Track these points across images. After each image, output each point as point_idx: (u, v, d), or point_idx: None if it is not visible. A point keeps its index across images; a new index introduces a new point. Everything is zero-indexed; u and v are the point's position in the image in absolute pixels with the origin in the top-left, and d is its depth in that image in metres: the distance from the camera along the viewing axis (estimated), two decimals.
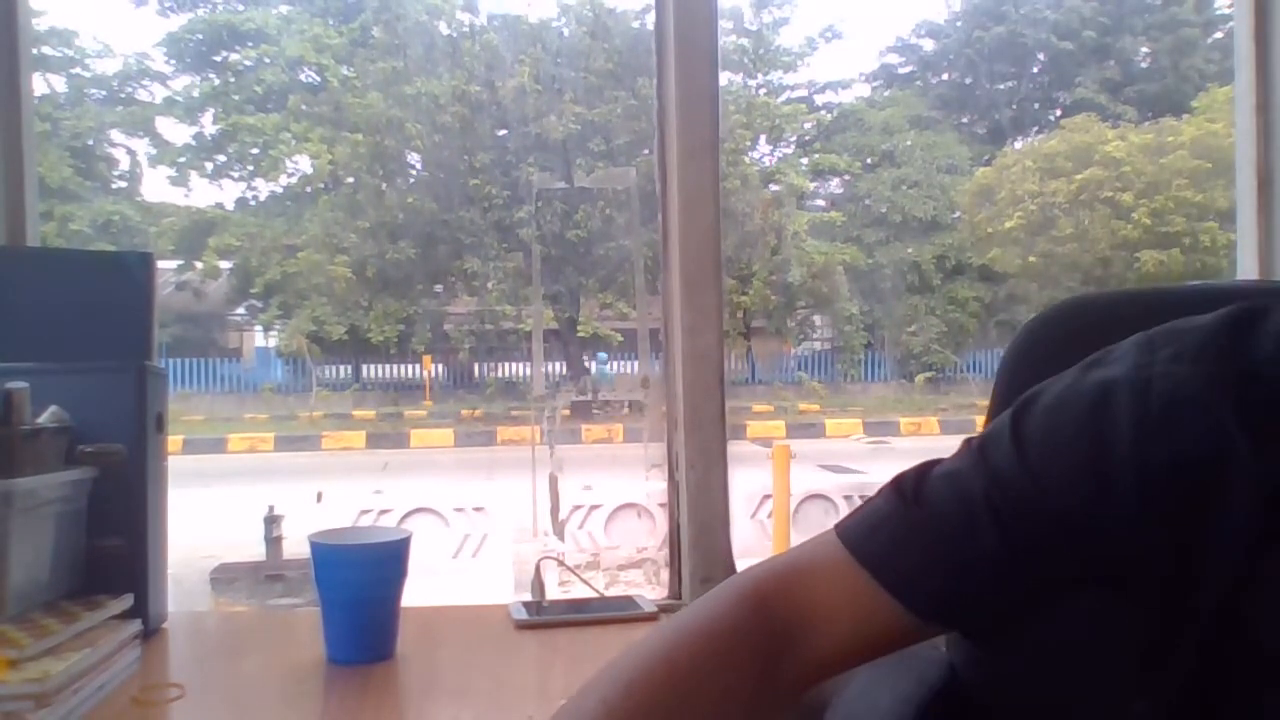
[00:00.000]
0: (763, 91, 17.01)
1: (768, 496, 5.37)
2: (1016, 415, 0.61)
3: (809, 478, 6.05)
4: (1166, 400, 0.55)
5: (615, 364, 15.51)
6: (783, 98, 17.24)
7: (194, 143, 15.48)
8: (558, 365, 15.16)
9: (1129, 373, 0.57)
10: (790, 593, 0.63)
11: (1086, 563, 0.59)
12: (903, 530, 0.62)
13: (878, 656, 0.65)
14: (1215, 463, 0.54)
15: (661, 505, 3.63)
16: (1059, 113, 17.27)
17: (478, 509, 5.13)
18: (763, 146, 16.93)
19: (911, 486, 0.63)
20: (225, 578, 5.19)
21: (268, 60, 15.15)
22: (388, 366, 15.87)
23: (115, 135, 15.34)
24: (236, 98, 15.01)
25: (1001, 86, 17.75)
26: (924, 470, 0.64)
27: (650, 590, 2.88)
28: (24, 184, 1.35)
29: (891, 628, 0.62)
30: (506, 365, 15.62)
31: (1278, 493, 0.52)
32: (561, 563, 1.64)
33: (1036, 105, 18.43)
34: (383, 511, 4.96)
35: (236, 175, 15.58)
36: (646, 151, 12.42)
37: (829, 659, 0.63)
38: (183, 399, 13.42)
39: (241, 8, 15.66)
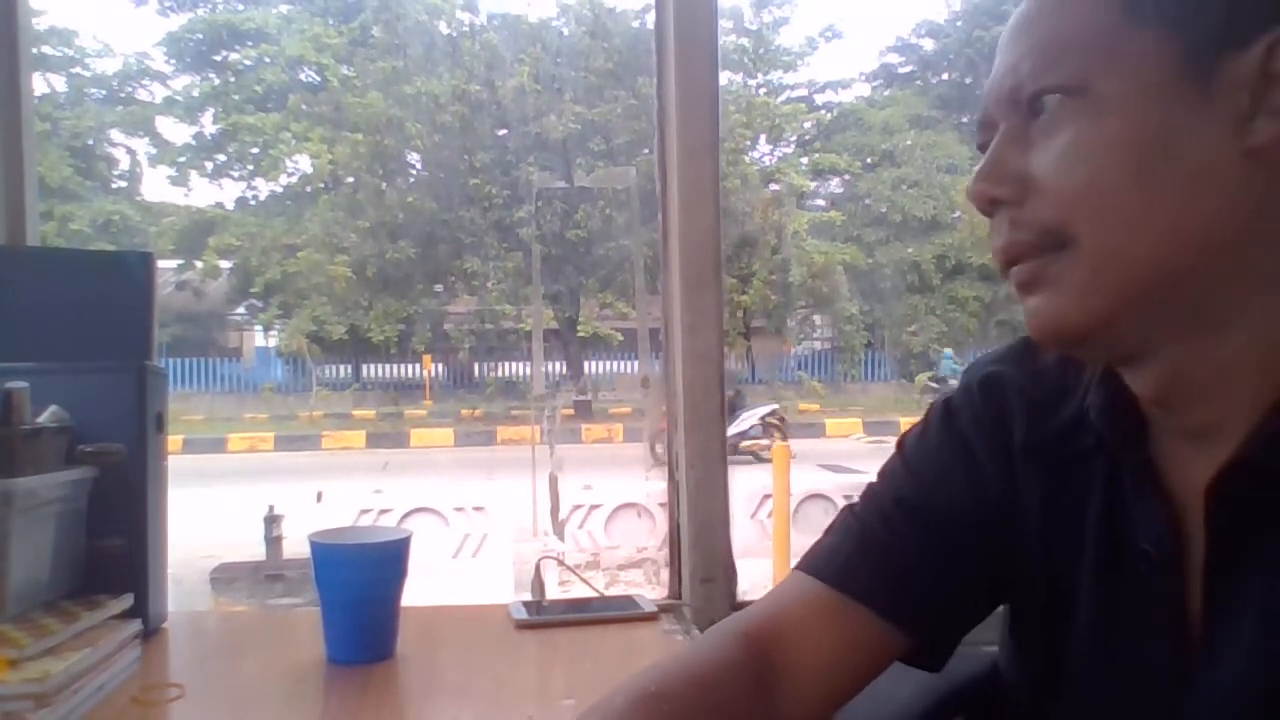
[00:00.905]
0: (763, 91, 17.02)
1: (768, 496, 5.36)
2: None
3: (809, 477, 6.04)
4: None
5: (615, 363, 15.52)
6: (783, 97, 17.26)
7: (194, 142, 15.49)
8: (558, 365, 15.17)
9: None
10: (772, 627, 0.70)
11: (993, 560, 0.71)
12: (851, 545, 0.72)
13: (868, 678, 0.71)
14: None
15: (661, 505, 3.63)
16: None
17: (478, 509, 5.13)
18: (763, 146, 16.96)
19: (858, 509, 0.75)
20: (225, 577, 5.18)
21: (268, 60, 15.15)
22: (388, 366, 15.88)
23: (115, 135, 15.37)
24: (236, 97, 15.01)
25: None
26: (865, 491, 0.76)
27: (650, 590, 2.88)
28: (24, 184, 1.35)
29: (870, 641, 0.70)
30: (506, 365, 15.63)
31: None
32: (561, 562, 1.64)
33: None
34: (383, 511, 4.96)
35: (236, 175, 15.60)
36: (646, 151, 12.42)
37: (821, 689, 0.70)
38: (183, 399, 13.43)
39: (241, 7, 15.66)
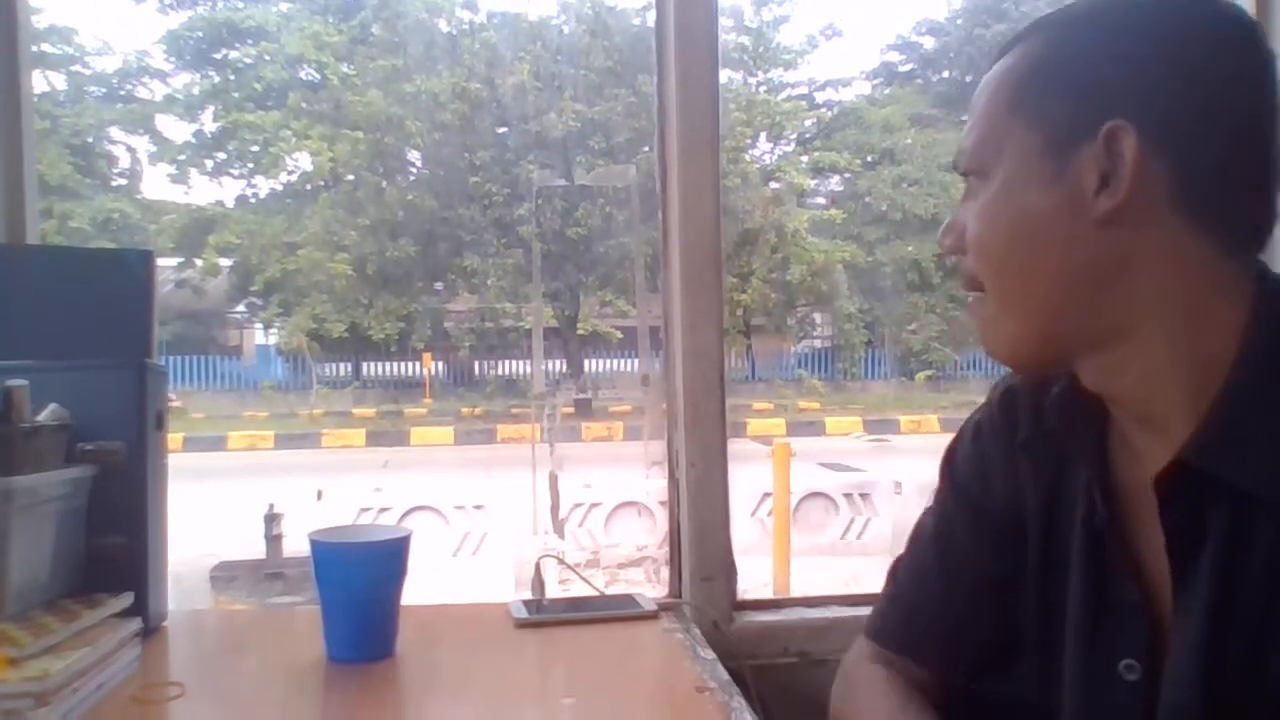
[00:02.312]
0: (763, 89, 17.00)
1: (768, 494, 5.37)
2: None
3: (809, 476, 6.05)
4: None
5: (615, 362, 15.51)
6: (783, 95, 17.23)
7: (194, 140, 15.47)
8: (558, 363, 15.16)
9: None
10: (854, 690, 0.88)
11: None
12: (885, 604, 0.91)
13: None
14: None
15: (662, 503, 3.63)
16: None
17: (478, 507, 5.13)
18: (763, 144, 16.94)
19: (890, 569, 0.92)
20: (225, 576, 5.18)
21: (268, 58, 15.13)
22: (388, 364, 15.88)
23: (115, 133, 15.34)
24: (236, 95, 14.99)
25: None
26: (911, 535, 0.92)
27: (650, 588, 2.88)
28: (24, 182, 1.35)
29: (928, 688, 0.85)
30: (506, 363, 15.62)
31: None
32: (562, 561, 1.64)
33: None
34: (383, 509, 4.97)
35: (236, 173, 15.57)
36: (647, 149, 12.42)
37: None
38: (183, 396, 13.42)
39: (241, 5, 15.64)
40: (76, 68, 15.12)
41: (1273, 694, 0.64)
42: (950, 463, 0.89)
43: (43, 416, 1.01)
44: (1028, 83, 0.70)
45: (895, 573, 0.91)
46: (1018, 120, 0.70)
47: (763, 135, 16.63)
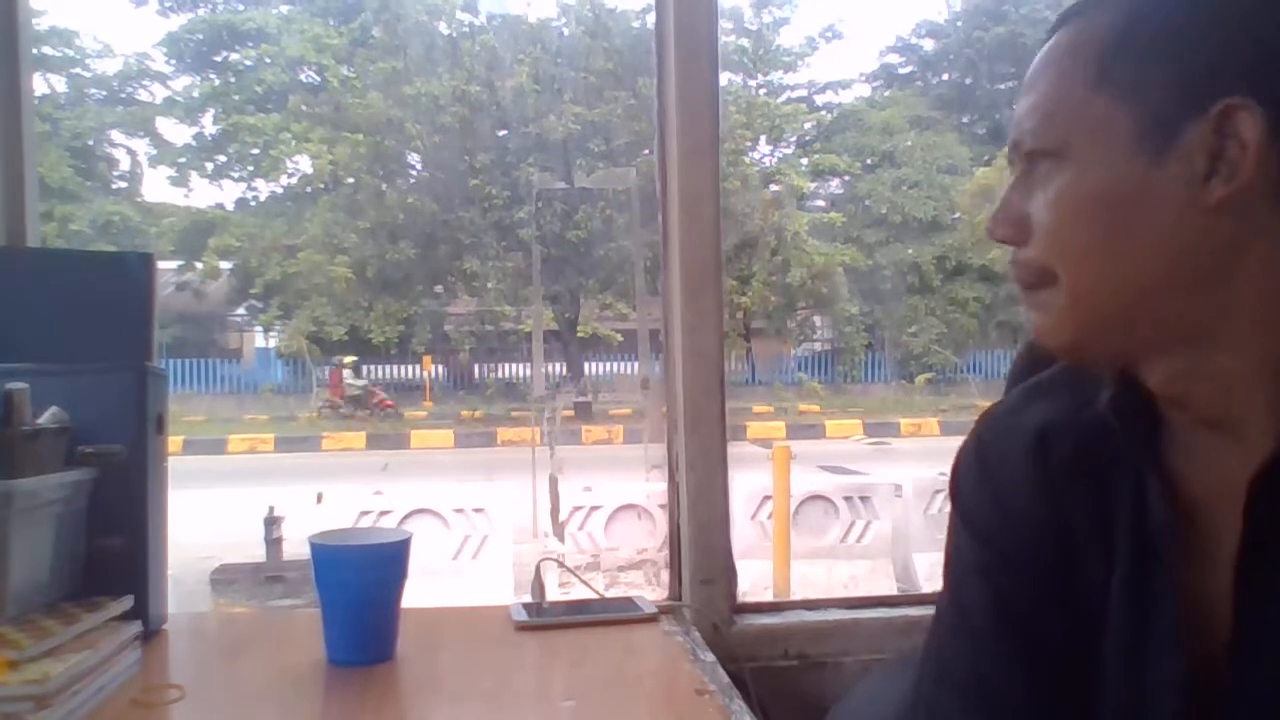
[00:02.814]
0: (763, 92, 17.01)
1: (768, 497, 5.35)
2: None
3: (809, 479, 6.03)
4: None
5: (615, 365, 15.51)
6: (783, 98, 17.24)
7: (194, 143, 15.49)
8: (558, 366, 15.16)
9: None
10: None
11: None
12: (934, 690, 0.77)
13: None
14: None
15: (662, 506, 3.63)
16: None
17: (478, 510, 5.12)
18: (763, 147, 16.95)
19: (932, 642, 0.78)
20: (225, 579, 5.18)
21: (268, 60, 15.15)
22: (388, 367, 15.87)
23: (115, 135, 15.36)
24: (237, 98, 15.01)
25: (1002, 87, 17.73)
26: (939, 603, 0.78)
27: (650, 591, 2.88)
28: (24, 184, 1.35)
29: None
30: (506, 366, 15.63)
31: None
32: (561, 564, 1.64)
33: None
34: (383, 513, 4.95)
35: (237, 175, 15.59)
36: (647, 152, 12.43)
37: None
38: (183, 399, 13.42)
39: (242, 8, 15.66)
40: (77, 70, 15.14)
41: None
42: (963, 505, 0.78)
43: (43, 419, 1.01)
44: (1114, 54, 0.63)
45: (931, 649, 0.76)
46: (1104, 96, 0.63)
47: (763, 138, 16.64)
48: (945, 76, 18.85)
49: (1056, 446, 0.72)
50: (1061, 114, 0.65)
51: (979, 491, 0.76)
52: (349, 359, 14.12)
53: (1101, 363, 0.69)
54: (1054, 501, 0.72)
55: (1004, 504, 0.74)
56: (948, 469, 0.81)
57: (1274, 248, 0.61)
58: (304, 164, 15.00)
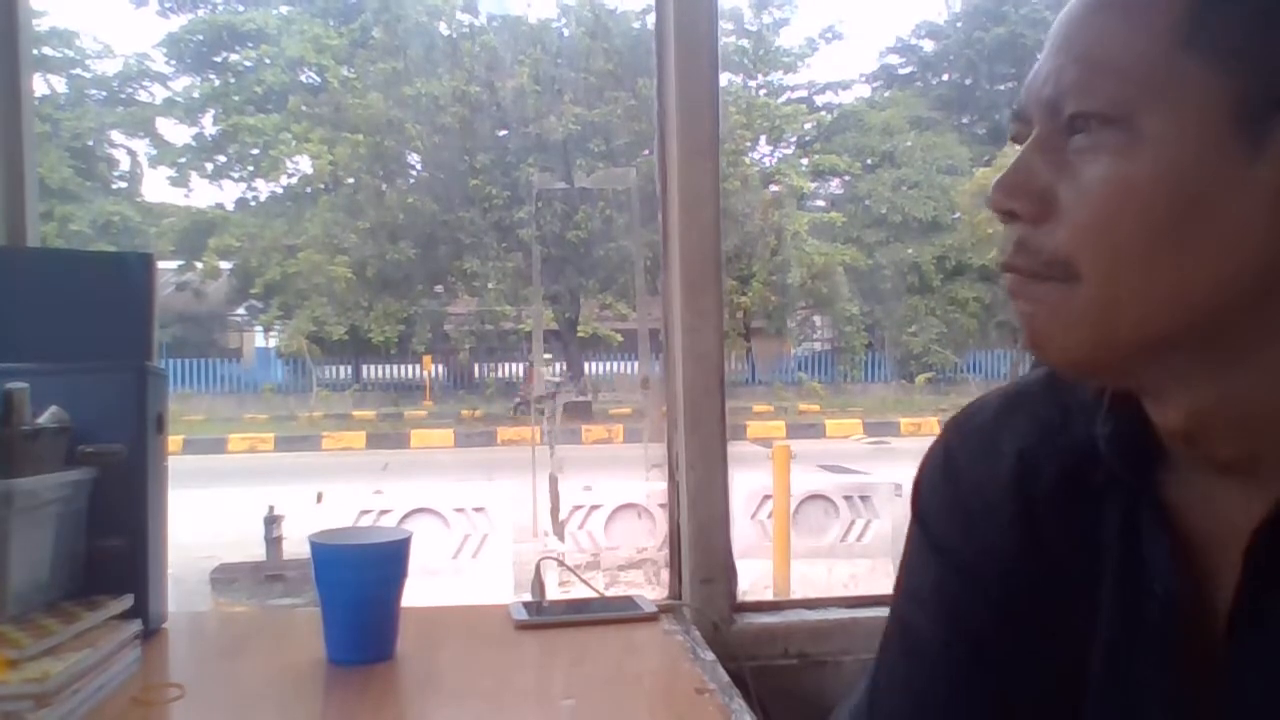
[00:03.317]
0: (763, 92, 17.01)
1: (768, 497, 5.36)
2: None
3: (809, 478, 6.03)
4: None
5: (615, 364, 15.51)
6: (783, 98, 17.24)
7: (194, 143, 15.48)
8: (558, 366, 15.16)
9: None
10: None
11: None
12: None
13: None
14: None
15: (661, 505, 3.63)
16: None
17: (478, 509, 5.12)
18: (763, 147, 16.94)
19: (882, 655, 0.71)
20: (225, 578, 5.19)
21: (268, 61, 15.14)
22: (388, 367, 15.88)
23: (115, 136, 15.35)
24: (237, 98, 15.01)
25: (1001, 87, 17.72)
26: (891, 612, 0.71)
27: (650, 590, 2.88)
28: (24, 184, 1.35)
29: None
30: (506, 365, 15.63)
31: None
32: (561, 563, 1.64)
33: None
34: (383, 512, 4.96)
35: (237, 176, 15.58)
36: (647, 152, 12.42)
37: None
38: (183, 399, 13.42)
39: (241, 8, 15.65)
40: (77, 71, 15.14)
41: None
42: (926, 520, 0.69)
43: (43, 419, 1.01)
44: (1207, 10, 0.49)
45: (878, 673, 0.69)
46: (1194, 58, 0.49)
47: (763, 138, 16.64)
48: (945, 77, 18.84)
49: (1041, 475, 0.63)
50: (1128, 71, 0.51)
51: (950, 515, 0.66)
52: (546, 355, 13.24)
53: (1109, 384, 0.59)
54: (1033, 535, 0.62)
55: (979, 533, 0.64)
56: None
57: None
58: (304, 164, 15.00)
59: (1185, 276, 0.50)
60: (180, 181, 15.44)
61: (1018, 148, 0.56)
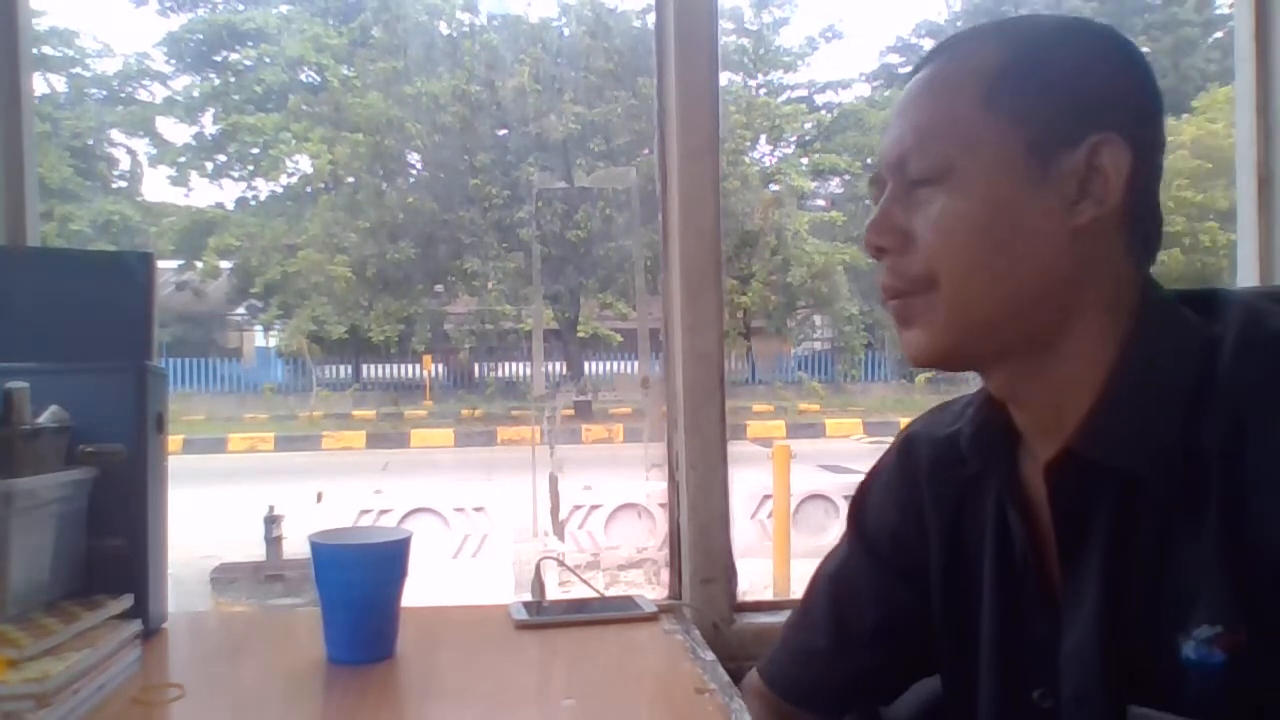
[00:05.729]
0: (763, 91, 17.01)
1: (768, 496, 5.36)
2: None
3: (809, 478, 6.04)
4: None
5: (615, 364, 15.51)
6: (783, 97, 17.24)
7: (194, 142, 15.49)
8: (558, 365, 15.16)
9: None
10: None
11: None
12: (781, 652, 0.99)
13: None
14: None
15: (661, 505, 3.63)
16: None
17: (478, 509, 5.13)
18: (763, 146, 16.95)
19: (790, 618, 0.98)
20: (225, 578, 5.18)
21: (268, 60, 15.14)
22: (388, 366, 15.88)
23: (115, 135, 15.36)
24: (236, 97, 15.01)
25: None
26: (809, 581, 0.97)
27: (650, 590, 2.88)
28: (24, 184, 1.35)
29: None
30: (506, 365, 15.62)
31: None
32: (562, 563, 1.64)
33: None
34: (383, 511, 4.96)
35: (236, 175, 15.58)
36: (647, 151, 12.42)
37: None
38: (183, 399, 13.42)
39: (241, 7, 15.65)
40: (77, 70, 15.14)
41: (1169, 671, 0.65)
42: (859, 511, 0.93)
43: (43, 419, 1.01)
44: (1003, 82, 0.69)
45: (792, 621, 0.96)
46: (994, 117, 0.69)
47: (763, 138, 16.64)
48: None
49: (924, 465, 0.84)
50: (947, 133, 0.70)
51: (877, 496, 0.92)
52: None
53: (961, 367, 0.76)
54: (918, 517, 0.85)
55: (888, 513, 0.89)
56: None
57: (1117, 267, 0.69)
58: (304, 164, 15.01)
59: (1011, 272, 0.69)
60: (180, 181, 15.46)
61: (875, 205, 0.75)
